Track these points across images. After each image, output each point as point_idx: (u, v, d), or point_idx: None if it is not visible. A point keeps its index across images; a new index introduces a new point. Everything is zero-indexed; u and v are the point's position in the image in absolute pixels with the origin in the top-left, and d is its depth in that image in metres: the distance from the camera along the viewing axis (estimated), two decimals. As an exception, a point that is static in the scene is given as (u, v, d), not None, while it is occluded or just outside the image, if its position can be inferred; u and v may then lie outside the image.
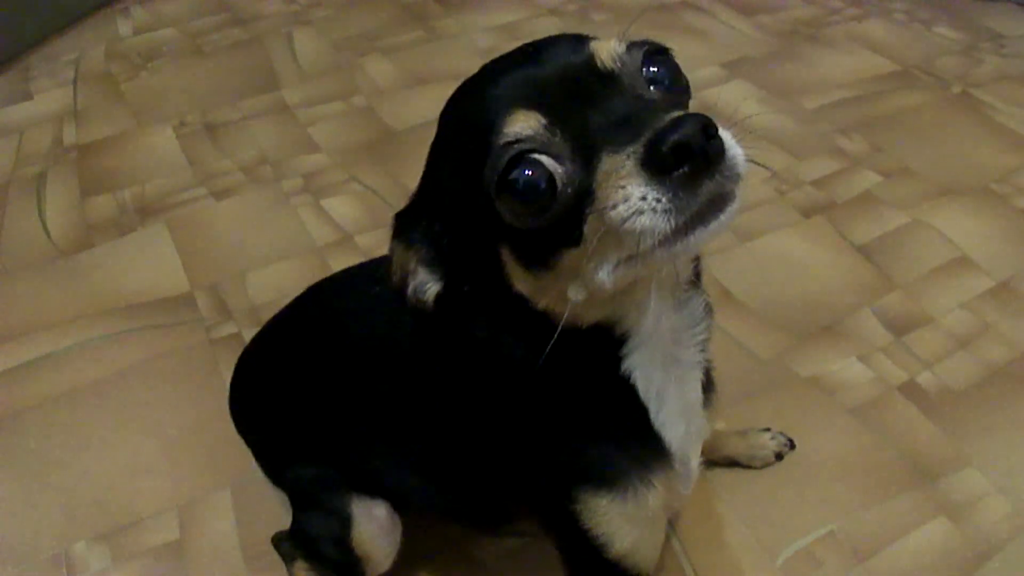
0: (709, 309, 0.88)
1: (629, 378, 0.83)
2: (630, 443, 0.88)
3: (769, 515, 1.37)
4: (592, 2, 3.01)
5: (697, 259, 0.85)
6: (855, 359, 1.62)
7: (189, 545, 1.41)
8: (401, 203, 0.81)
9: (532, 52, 0.72)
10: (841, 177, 2.08)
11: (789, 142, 2.21)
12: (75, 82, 2.79)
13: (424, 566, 1.34)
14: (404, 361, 1.01)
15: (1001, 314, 1.69)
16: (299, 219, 2.09)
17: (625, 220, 0.61)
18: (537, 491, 0.95)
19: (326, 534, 1.18)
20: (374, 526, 1.18)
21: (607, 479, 0.88)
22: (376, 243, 1.95)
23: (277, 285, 1.87)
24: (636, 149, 0.61)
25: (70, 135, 2.51)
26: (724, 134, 0.61)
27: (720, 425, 1.40)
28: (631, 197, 0.61)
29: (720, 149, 0.60)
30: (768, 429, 1.46)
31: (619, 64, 0.69)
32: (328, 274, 1.37)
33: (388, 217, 0.81)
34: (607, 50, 0.70)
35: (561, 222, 0.66)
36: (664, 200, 0.60)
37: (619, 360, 0.82)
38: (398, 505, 1.20)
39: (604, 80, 0.68)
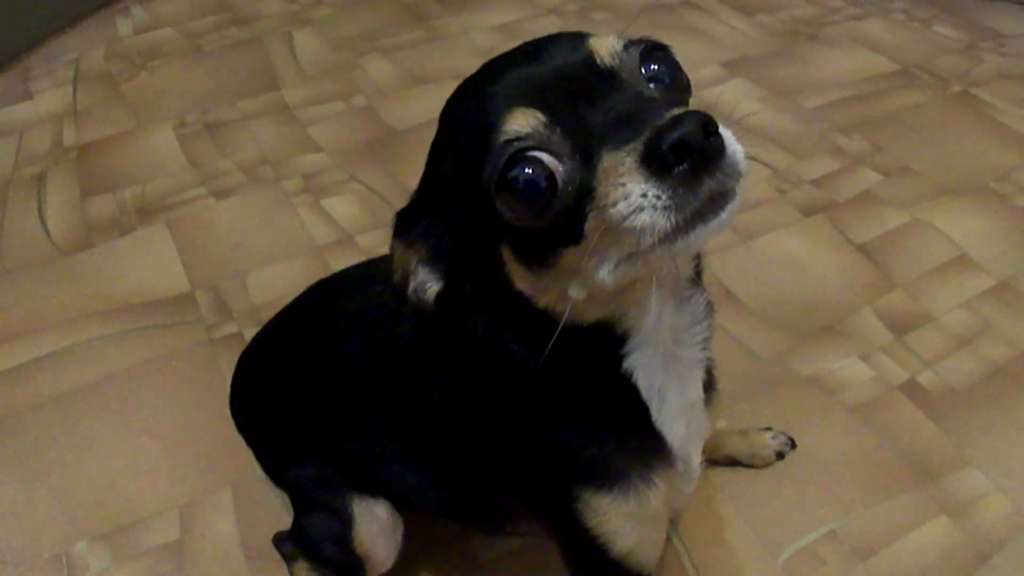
0: (710, 307, 0.88)
1: (630, 377, 0.83)
2: (631, 442, 0.88)
3: (770, 514, 1.37)
4: (592, 2, 3.01)
5: (698, 257, 0.84)
6: (856, 358, 1.62)
7: (190, 545, 1.41)
8: (401, 203, 0.80)
9: (532, 50, 0.72)
10: (841, 176, 2.08)
11: (789, 141, 2.21)
12: (75, 82, 2.79)
13: (424, 566, 1.34)
14: (405, 360, 1.01)
15: (1002, 313, 1.69)
16: (299, 219, 2.09)
17: (625, 217, 0.61)
18: (538, 490, 0.95)
19: (327, 534, 1.18)
20: (375, 526, 1.18)
21: (608, 478, 0.88)
22: (376, 243, 1.95)
23: (277, 285, 1.87)
24: (636, 146, 0.61)
25: (70, 135, 2.51)
26: (724, 131, 0.61)
27: (721, 424, 1.40)
28: (631, 194, 0.61)
29: (720, 146, 0.60)
30: (769, 428, 1.46)
31: (618, 61, 0.69)
32: (328, 274, 1.37)
33: (388, 217, 0.81)
34: (606, 47, 0.69)
35: (561, 220, 0.66)
36: (664, 197, 0.60)
37: (620, 359, 0.82)
38: (399, 505, 1.20)
39: (604, 78, 0.68)
